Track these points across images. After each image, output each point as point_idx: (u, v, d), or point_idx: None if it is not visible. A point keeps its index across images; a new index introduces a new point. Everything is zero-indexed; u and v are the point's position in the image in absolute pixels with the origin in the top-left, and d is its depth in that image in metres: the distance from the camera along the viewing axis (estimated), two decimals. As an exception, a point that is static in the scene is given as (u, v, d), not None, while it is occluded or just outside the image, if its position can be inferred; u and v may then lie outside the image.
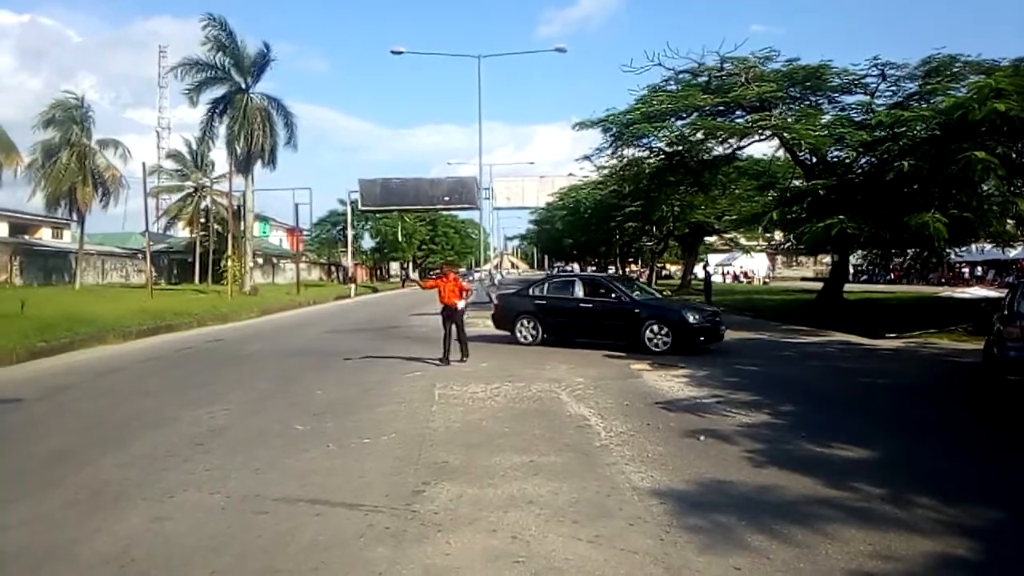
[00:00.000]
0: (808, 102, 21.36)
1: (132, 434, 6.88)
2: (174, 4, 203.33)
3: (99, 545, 4.18)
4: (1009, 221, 19.41)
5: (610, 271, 69.46)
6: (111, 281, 42.91)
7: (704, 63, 21.76)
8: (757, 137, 22.19)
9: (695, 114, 21.61)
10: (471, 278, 56.55)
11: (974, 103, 14.69)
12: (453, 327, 12.09)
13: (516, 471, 5.59)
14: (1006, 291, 12.90)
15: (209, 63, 33.77)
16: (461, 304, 12.24)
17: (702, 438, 6.63)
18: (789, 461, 5.82)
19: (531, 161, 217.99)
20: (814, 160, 21.40)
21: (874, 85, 20.28)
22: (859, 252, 24.75)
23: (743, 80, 20.64)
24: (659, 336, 13.33)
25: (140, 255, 43.39)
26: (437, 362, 11.72)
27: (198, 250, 45.00)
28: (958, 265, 42.17)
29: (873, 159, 19.32)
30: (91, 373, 11.02)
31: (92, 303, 21.59)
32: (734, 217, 34.90)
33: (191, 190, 48.41)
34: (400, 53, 32.47)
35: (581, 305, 14.48)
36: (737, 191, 32.15)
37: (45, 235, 48.27)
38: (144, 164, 34.12)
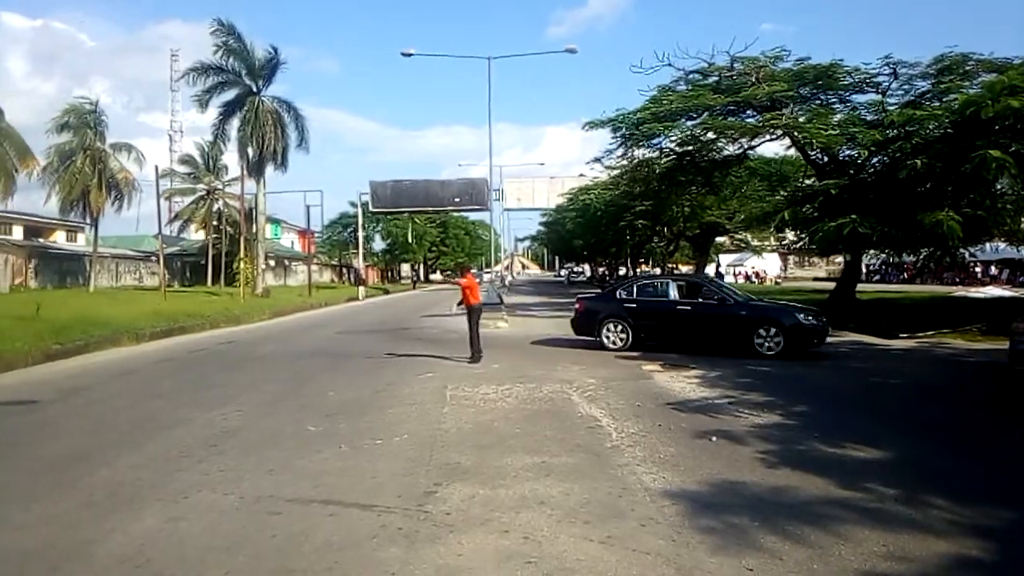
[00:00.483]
0: (819, 101, 21.25)
1: (146, 435, 6.94)
2: (186, 8, 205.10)
3: (114, 545, 4.22)
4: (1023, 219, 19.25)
5: (621, 272, 69.45)
6: (125, 284, 43.26)
7: (714, 63, 21.71)
8: (768, 137, 22.09)
9: (705, 114, 21.54)
10: (480, 277, 56.59)
11: (987, 100, 14.57)
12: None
13: (528, 472, 5.60)
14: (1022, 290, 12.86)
15: (220, 67, 34.00)
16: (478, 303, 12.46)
17: (714, 439, 6.62)
18: (802, 462, 5.80)
19: (541, 162, 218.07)
20: (826, 159, 21.28)
21: (886, 84, 20.15)
22: (872, 252, 24.58)
23: (754, 80, 20.56)
24: (770, 339, 12.67)
25: (153, 258, 43.74)
26: (467, 362, 11.95)
27: (210, 253, 45.28)
28: (972, 264, 41.80)
29: (885, 158, 19.22)
30: (106, 375, 11.11)
31: (106, 305, 21.78)
32: (744, 216, 34.75)
33: (203, 193, 48.74)
34: (410, 55, 32.55)
35: (678, 308, 13.65)
36: (748, 191, 32.00)
37: (59, 238, 48.75)
38: (157, 167, 34.47)
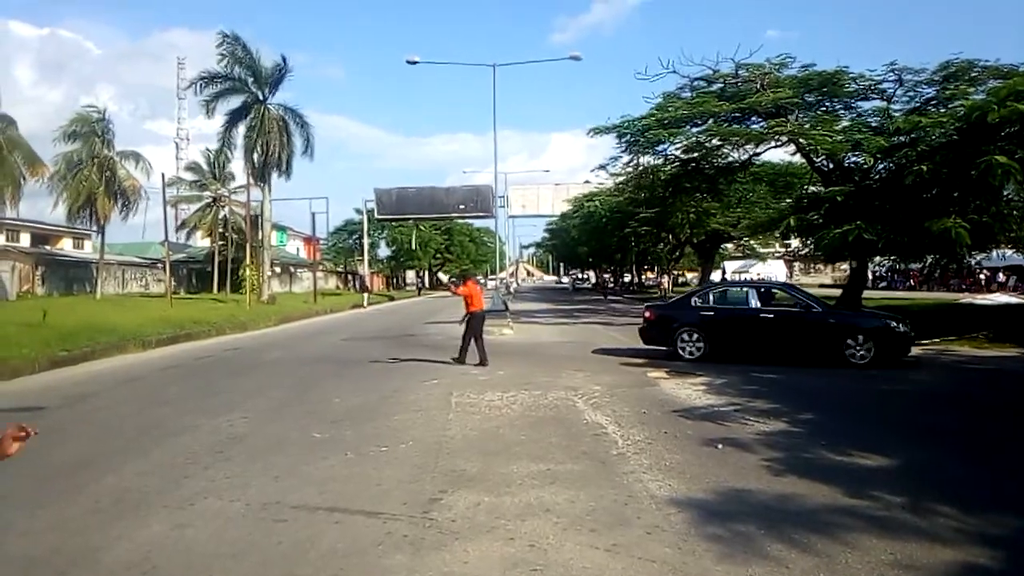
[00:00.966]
0: (824, 108, 21.24)
1: (153, 442, 6.96)
2: (191, 16, 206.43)
3: (121, 552, 4.23)
4: (1030, 226, 19.14)
5: (626, 279, 69.43)
6: (131, 291, 43.40)
7: (719, 70, 21.74)
8: (773, 143, 22.08)
9: (710, 121, 21.56)
10: (481, 285, 56.57)
11: (993, 105, 14.56)
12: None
13: (533, 479, 5.59)
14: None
15: (226, 75, 34.19)
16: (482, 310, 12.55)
17: (720, 446, 6.60)
18: (808, 469, 5.78)
19: (546, 169, 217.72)
20: (831, 166, 21.25)
21: (891, 90, 20.13)
22: (877, 259, 24.51)
23: (758, 86, 20.58)
24: (861, 348, 12.24)
25: (160, 265, 43.86)
26: (476, 366, 12.10)
27: (216, 259, 45.39)
28: (979, 271, 41.64)
29: (891, 165, 19.17)
30: (112, 381, 11.15)
31: (112, 312, 21.85)
32: (749, 223, 34.77)
33: (209, 200, 48.89)
34: (415, 63, 32.65)
35: (761, 316, 13.07)
36: (753, 198, 32.03)
37: (66, 245, 48.95)
38: (163, 175, 34.60)
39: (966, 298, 30.52)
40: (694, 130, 22.09)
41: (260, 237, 37.31)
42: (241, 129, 34.98)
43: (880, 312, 13.84)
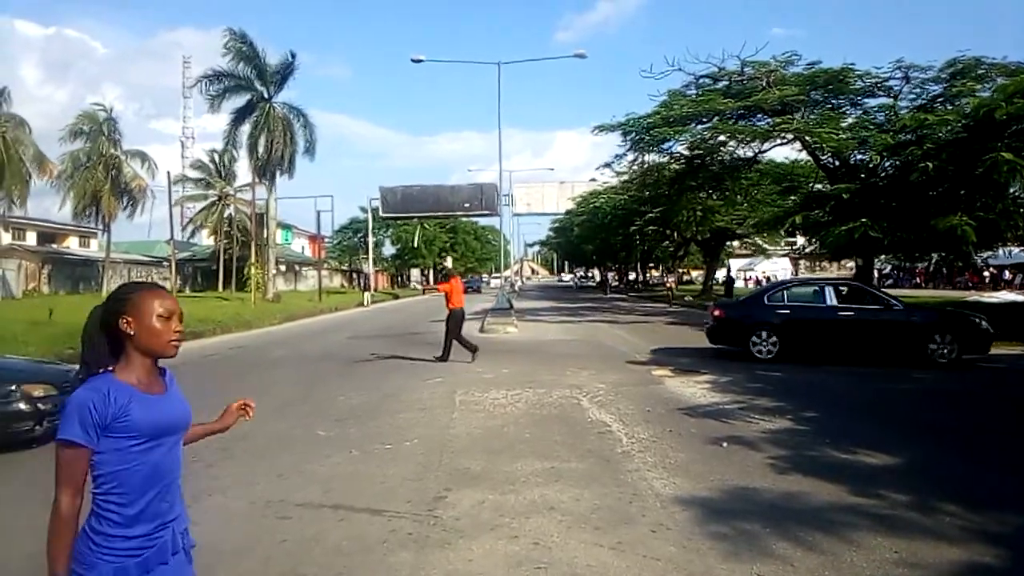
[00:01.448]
0: (830, 105, 21.19)
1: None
2: (197, 15, 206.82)
3: (127, 549, 4.24)
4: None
5: (631, 277, 69.35)
6: (137, 289, 43.47)
7: (724, 67, 21.71)
8: (779, 141, 22.05)
9: (716, 118, 21.52)
10: (478, 285, 56.57)
11: (1000, 102, 14.51)
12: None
13: (538, 477, 5.59)
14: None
15: (232, 73, 34.26)
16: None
17: (725, 444, 6.59)
18: (813, 467, 5.77)
19: (551, 167, 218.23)
20: (837, 163, 21.20)
21: (898, 88, 20.08)
22: (883, 256, 24.44)
23: (764, 84, 20.54)
24: (946, 346, 11.91)
25: (165, 263, 44.02)
26: (470, 360, 12.31)
27: (222, 258, 45.55)
28: (984, 269, 41.46)
29: (897, 162, 19.12)
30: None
31: (119, 310, 21.88)
32: (756, 221, 34.70)
33: (215, 199, 49.06)
34: (420, 61, 32.59)
35: (839, 315, 12.69)
36: (759, 195, 31.95)
37: (72, 244, 49.15)
38: (169, 174, 34.81)
39: (973, 296, 30.39)
40: (699, 127, 22.06)
41: (265, 235, 37.40)
42: (246, 127, 35.07)
43: (963, 311, 13.35)
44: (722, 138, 22.28)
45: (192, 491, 5.25)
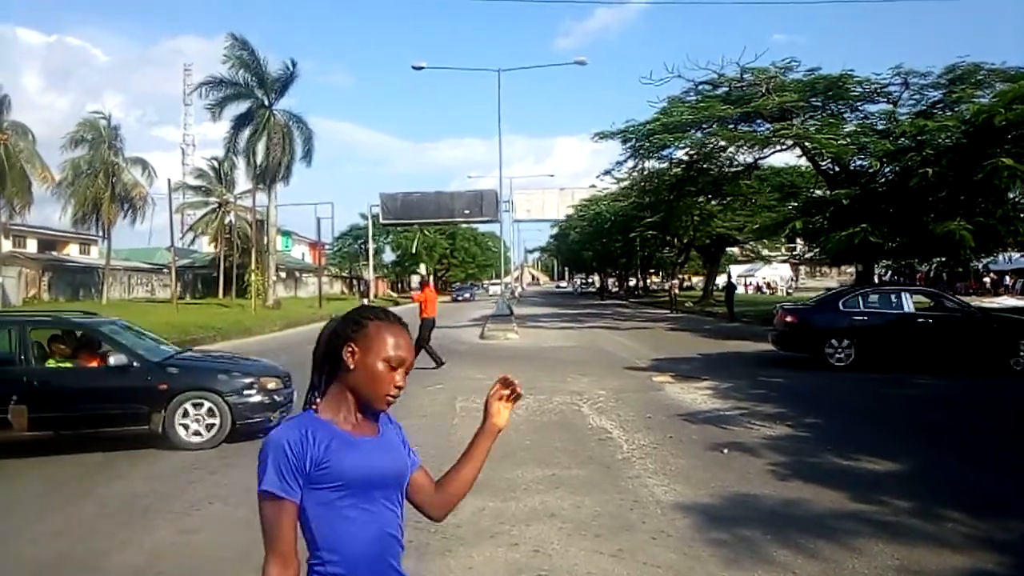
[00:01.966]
0: (830, 111, 21.24)
1: (158, 447, 6.97)
2: (199, 23, 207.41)
3: (127, 557, 4.24)
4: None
5: (631, 283, 69.35)
6: (137, 296, 43.55)
7: (724, 74, 21.78)
8: (778, 147, 22.08)
9: (716, 124, 21.57)
10: (470, 293, 56.49)
11: (999, 108, 14.53)
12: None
13: (538, 484, 5.58)
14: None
15: (232, 81, 34.31)
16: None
17: (726, 451, 6.58)
18: (814, 474, 5.76)
19: (551, 174, 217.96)
20: (837, 169, 21.24)
21: (897, 94, 20.12)
22: (884, 262, 24.46)
23: (764, 90, 20.58)
24: None
25: (165, 270, 44.03)
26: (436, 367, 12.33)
27: (222, 265, 45.55)
28: (984, 274, 41.46)
29: (897, 168, 19.16)
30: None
31: (118, 318, 21.90)
32: (756, 226, 34.73)
33: (215, 206, 49.09)
34: (421, 68, 32.70)
35: (918, 321, 12.40)
36: (758, 201, 31.98)
37: (73, 251, 49.16)
38: (169, 181, 34.78)
39: (973, 302, 30.36)
40: (699, 134, 22.10)
41: (265, 242, 37.42)
42: (246, 134, 35.10)
43: None
44: (722, 144, 22.32)
45: (193, 499, 5.28)
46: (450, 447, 6.94)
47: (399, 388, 1.68)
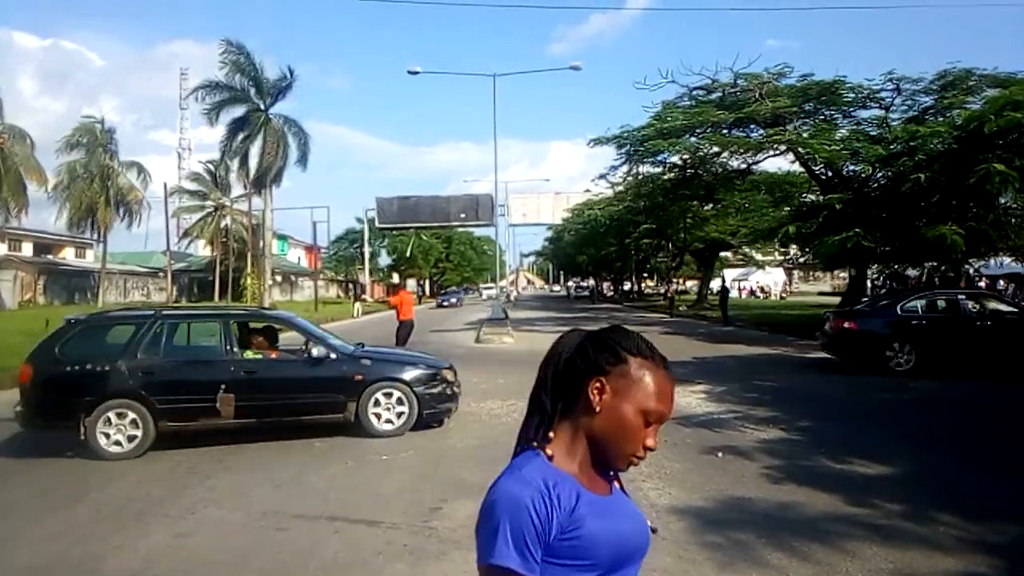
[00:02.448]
0: (823, 117, 21.34)
1: (154, 451, 6.96)
2: (196, 28, 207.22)
3: (123, 560, 4.25)
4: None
5: (626, 287, 69.47)
6: (133, 299, 43.42)
7: (718, 79, 21.84)
8: (772, 152, 22.17)
9: (709, 129, 21.65)
10: (457, 298, 56.35)
11: (990, 114, 14.64)
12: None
13: (533, 488, 5.58)
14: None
15: (228, 85, 34.27)
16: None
17: (720, 454, 6.61)
18: (808, 477, 5.79)
19: (546, 178, 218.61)
20: (829, 174, 21.34)
21: (889, 99, 20.23)
22: (876, 266, 24.55)
23: (757, 96, 20.66)
24: None
25: (161, 273, 43.96)
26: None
27: (218, 268, 45.48)
28: (977, 279, 41.66)
29: (889, 173, 19.25)
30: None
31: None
32: (748, 231, 34.85)
33: (211, 209, 49.03)
34: (416, 73, 32.75)
35: (977, 324, 12.17)
36: (752, 206, 32.09)
37: (68, 255, 49.03)
38: (165, 185, 34.78)
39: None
40: (693, 139, 22.18)
41: (261, 246, 37.38)
42: (242, 138, 35.05)
43: None
44: (715, 149, 22.41)
45: (189, 502, 5.29)
46: (446, 449, 6.96)
47: (648, 450, 1.32)
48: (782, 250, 35.30)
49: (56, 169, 34.95)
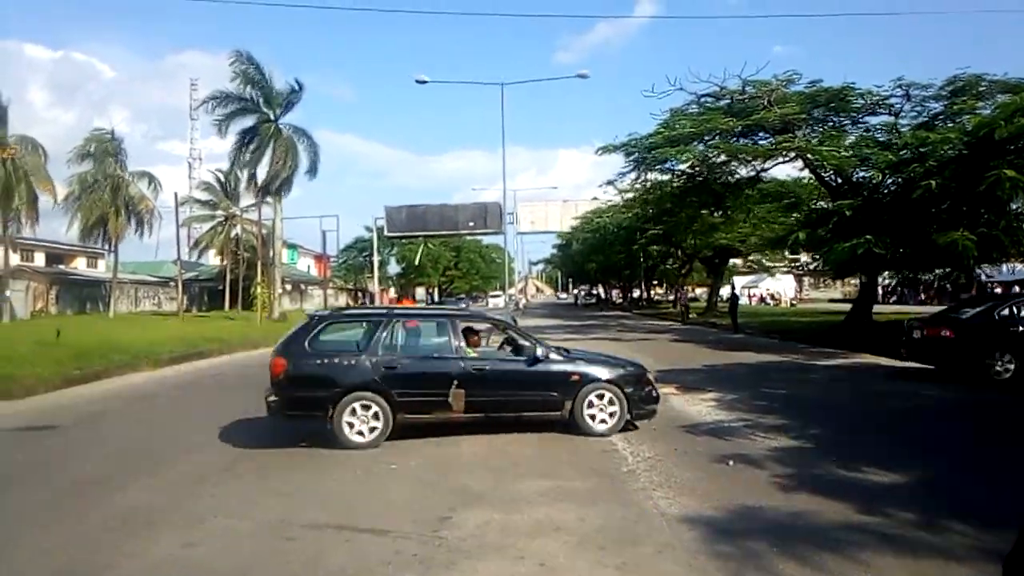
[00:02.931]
0: (832, 123, 21.30)
1: (163, 460, 6.98)
2: (204, 38, 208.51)
3: (131, 570, 4.24)
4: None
5: (635, 294, 69.39)
6: (143, 309, 43.71)
7: (726, 87, 21.84)
8: (781, 159, 22.13)
9: (718, 137, 21.63)
10: (463, 304, 56.35)
11: (1000, 120, 14.56)
12: None
13: (542, 496, 5.57)
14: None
15: (238, 96, 34.56)
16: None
17: (731, 463, 6.56)
18: (820, 486, 5.73)
19: (554, 186, 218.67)
20: (839, 181, 21.27)
21: (899, 106, 20.17)
22: (887, 273, 24.42)
23: (765, 103, 20.65)
24: None
25: (172, 283, 44.18)
26: None
27: (228, 278, 45.69)
28: (990, 285, 41.35)
29: (900, 179, 19.17)
30: (124, 400, 11.21)
31: (125, 331, 21.99)
32: (757, 239, 34.75)
33: (222, 219, 49.30)
34: (424, 82, 32.92)
35: None
36: (761, 213, 32.01)
37: (80, 265, 49.40)
38: (176, 194, 35.00)
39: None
40: (701, 147, 22.16)
41: (271, 255, 37.54)
42: (252, 148, 35.28)
43: None
44: (724, 157, 22.38)
45: (197, 512, 5.29)
46: (455, 458, 6.94)
47: None
48: (792, 257, 35.16)
49: (68, 180, 35.31)
